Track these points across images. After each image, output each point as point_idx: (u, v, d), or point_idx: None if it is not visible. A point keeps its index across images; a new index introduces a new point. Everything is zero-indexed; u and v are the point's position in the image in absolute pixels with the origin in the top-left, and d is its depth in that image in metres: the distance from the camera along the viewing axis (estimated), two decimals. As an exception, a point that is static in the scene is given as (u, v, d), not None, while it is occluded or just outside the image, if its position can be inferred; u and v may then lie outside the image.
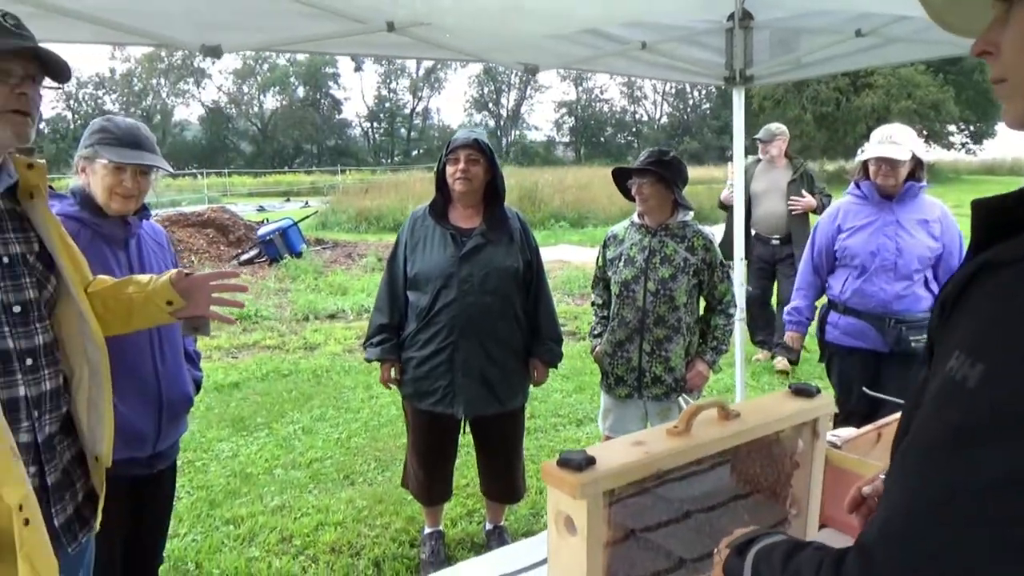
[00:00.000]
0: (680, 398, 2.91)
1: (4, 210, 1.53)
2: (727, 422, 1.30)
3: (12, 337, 1.48)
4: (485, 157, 2.82)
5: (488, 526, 3.34)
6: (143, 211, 2.25)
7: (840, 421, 3.29)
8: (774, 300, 6.08)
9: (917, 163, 3.19)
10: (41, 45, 1.46)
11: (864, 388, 2.64)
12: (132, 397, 2.10)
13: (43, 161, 1.61)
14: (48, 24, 2.07)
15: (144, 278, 1.80)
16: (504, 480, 3.16)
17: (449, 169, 2.83)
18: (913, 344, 3.15)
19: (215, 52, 2.41)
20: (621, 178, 3.09)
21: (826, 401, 1.42)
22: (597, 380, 3.32)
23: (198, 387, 2.49)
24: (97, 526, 1.75)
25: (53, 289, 1.60)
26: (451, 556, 3.23)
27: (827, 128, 33.64)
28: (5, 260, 1.49)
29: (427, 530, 3.28)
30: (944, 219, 3.23)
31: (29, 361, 1.51)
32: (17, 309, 1.50)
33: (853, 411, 3.17)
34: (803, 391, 1.43)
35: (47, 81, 1.51)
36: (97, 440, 1.69)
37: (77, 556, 1.70)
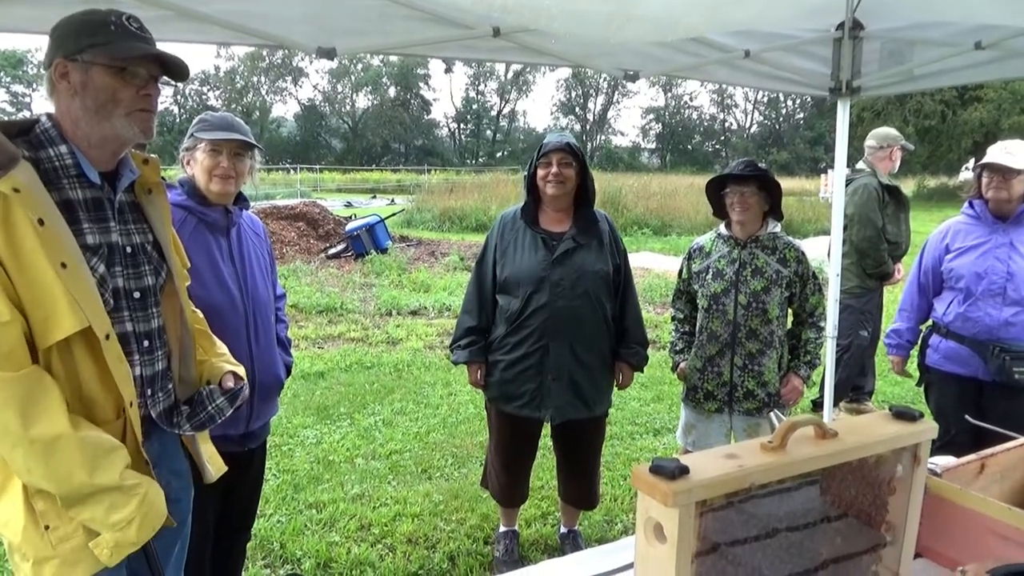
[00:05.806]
0: (772, 414, 2.85)
1: (127, 203, 1.65)
2: (823, 441, 1.27)
3: (132, 321, 1.60)
4: (577, 160, 2.83)
5: (563, 530, 3.35)
6: (242, 202, 2.38)
7: (936, 450, 3.15)
8: None
9: None
10: (162, 49, 1.58)
11: (966, 416, 2.52)
12: None
13: (156, 157, 1.74)
14: (181, 26, 2.23)
15: (217, 355, 1.94)
16: (582, 485, 3.16)
17: (541, 172, 2.83)
18: (1016, 375, 2.98)
19: (329, 55, 2.52)
20: (715, 189, 3.03)
21: (928, 426, 1.37)
22: (676, 390, 3.28)
23: (288, 371, 2.61)
24: None
25: (165, 277, 1.72)
26: (524, 556, 3.26)
27: (930, 142, 32.07)
28: (128, 250, 1.61)
29: (502, 528, 3.31)
30: None
31: (146, 343, 1.64)
32: (137, 295, 1.62)
33: (953, 441, 3.02)
34: (904, 414, 1.38)
35: (163, 79, 1.63)
36: None
37: (178, 526, 1.82)
